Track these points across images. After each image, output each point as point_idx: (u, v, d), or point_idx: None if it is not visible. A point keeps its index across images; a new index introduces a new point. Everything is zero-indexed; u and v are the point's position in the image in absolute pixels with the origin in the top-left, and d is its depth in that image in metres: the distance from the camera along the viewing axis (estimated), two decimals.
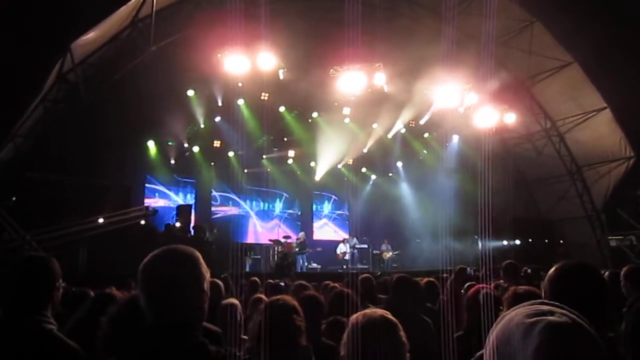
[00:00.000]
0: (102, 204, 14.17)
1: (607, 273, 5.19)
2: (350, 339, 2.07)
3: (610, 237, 19.45)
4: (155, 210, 15.97)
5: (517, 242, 19.23)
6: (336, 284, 5.93)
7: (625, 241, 19.54)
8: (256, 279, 6.70)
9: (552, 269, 2.11)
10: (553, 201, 20.13)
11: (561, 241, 20.10)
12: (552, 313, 1.09)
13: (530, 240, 19.51)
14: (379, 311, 2.16)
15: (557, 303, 1.15)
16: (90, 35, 12.50)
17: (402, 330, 2.12)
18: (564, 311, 1.10)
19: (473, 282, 5.25)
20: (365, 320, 2.08)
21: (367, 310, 2.17)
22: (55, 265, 2.43)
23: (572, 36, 15.77)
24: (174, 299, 1.72)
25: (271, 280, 7.29)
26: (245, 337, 3.61)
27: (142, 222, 15.16)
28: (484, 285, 3.86)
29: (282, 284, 7.33)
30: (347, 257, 18.75)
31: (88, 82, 13.88)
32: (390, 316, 2.13)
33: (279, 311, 2.56)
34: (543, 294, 2.07)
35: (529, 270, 10.24)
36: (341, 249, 19.05)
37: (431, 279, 6.20)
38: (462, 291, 5.15)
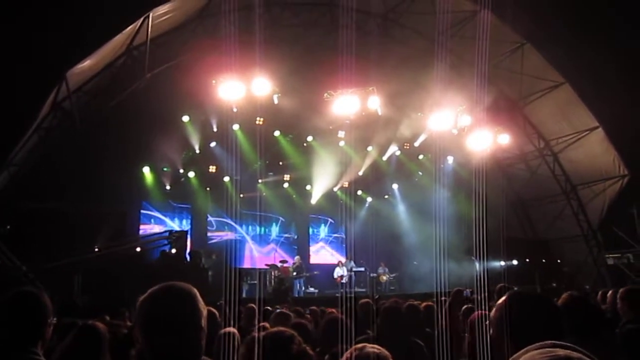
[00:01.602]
0: (97, 232, 14.09)
1: (610, 293, 5.15)
2: None
3: (607, 256, 19.41)
4: (180, 235, 15.83)
5: (515, 262, 19.18)
6: (333, 310, 5.86)
7: (622, 259, 19.49)
8: (253, 305, 6.62)
9: (502, 298, 2.08)
10: (549, 221, 20.14)
11: (559, 261, 20.07)
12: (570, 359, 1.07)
13: (527, 260, 19.46)
14: (371, 347, 2.12)
15: (569, 345, 1.12)
16: (86, 63, 12.57)
17: None
18: (580, 355, 1.08)
19: (471, 306, 5.21)
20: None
21: (359, 346, 2.13)
22: (46, 301, 2.39)
23: (563, 57, 15.98)
24: (172, 337, 1.71)
25: (269, 307, 7.21)
26: None
27: (138, 249, 15.02)
28: (482, 311, 3.83)
29: (279, 310, 7.24)
30: (344, 280, 18.62)
31: (83, 110, 13.91)
32: (384, 352, 2.10)
33: (276, 343, 2.51)
34: (494, 323, 2.02)
35: None
36: (338, 272, 18.94)
37: (430, 302, 6.15)
38: (460, 315, 5.11)
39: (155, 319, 1.73)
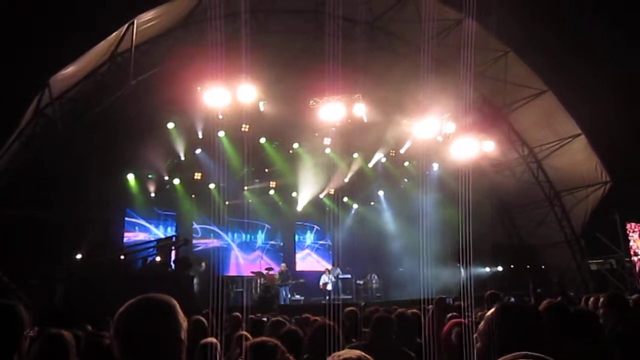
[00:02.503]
0: (81, 240, 13.90)
1: (592, 299, 5.16)
2: None
3: (590, 262, 19.60)
4: (187, 240, 15.62)
5: (500, 268, 19.29)
6: (317, 317, 5.83)
7: (605, 265, 19.71)
8: (238, 314, 6.57)
9: (492, 309, 2.08)
10: (533, 227, 20.29)
11: (543, 267, 20.21)
12: None
13: (512, 266, 19.58)
14: (356, 352, 2.11)
15: (541, 356, 1.13)
16: (69, 69, 12.45)
17: None
18: None
19: (455, 314, 5.21)
20: None
21: (342, 352, 2.11)
22: (22, 313, 2.35)
23: (546, 65, 16.18)
24: (150, 350, 1.68)
25: (253, 316, 7.15)
26: None
27: (122, 257, 14.85)
28: (460, 320, 3.83)
29: (265, 319, 7.18)
30: (329, 287, 18.58)
31: (66, 117, 13.76)
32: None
33: (259, 354, 2.49)
34: (483, 332, 2.01)
35: (511, 299, 10.17)
36: (324, 279, 18.89)
37: (415, 310, 6.15)
38: (445, 323, 5.10)
39: (132, 333, 1.69)
